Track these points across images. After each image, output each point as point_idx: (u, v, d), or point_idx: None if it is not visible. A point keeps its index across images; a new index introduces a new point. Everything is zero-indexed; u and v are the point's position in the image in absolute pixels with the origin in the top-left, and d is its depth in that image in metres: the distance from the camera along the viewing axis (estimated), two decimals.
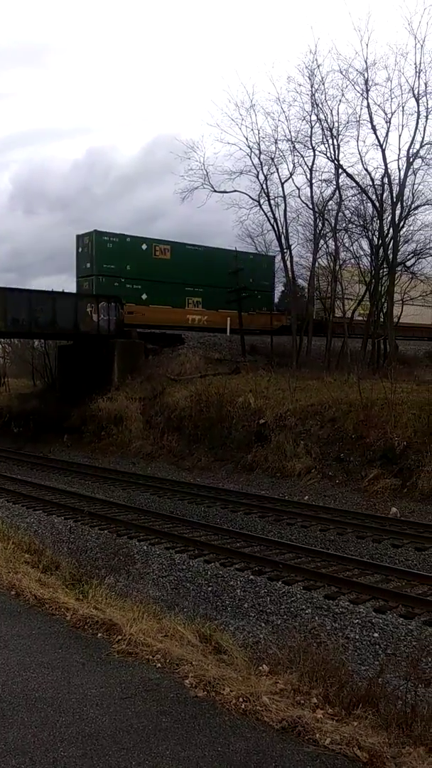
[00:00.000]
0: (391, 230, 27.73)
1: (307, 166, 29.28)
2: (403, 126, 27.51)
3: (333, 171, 28.87)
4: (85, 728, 3.78)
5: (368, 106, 26.78)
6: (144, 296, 30.14)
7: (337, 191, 28.75)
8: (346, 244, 30.73)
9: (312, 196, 29.73)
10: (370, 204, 28.46)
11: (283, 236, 30.42)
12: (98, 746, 3.58)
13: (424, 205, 28.09)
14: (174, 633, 5.40)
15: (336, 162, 28.35)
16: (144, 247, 30.33)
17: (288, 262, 30.96)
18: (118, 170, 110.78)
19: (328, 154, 28.61)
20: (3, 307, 26.23)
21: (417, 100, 25.63)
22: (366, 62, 26.16)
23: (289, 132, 30.41)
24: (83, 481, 20.21)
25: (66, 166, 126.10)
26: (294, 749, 3.59)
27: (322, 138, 28.40)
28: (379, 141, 26.99)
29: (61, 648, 5.04)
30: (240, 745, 3.63)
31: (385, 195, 27.78)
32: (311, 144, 28.54)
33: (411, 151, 26.30)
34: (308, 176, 29.40)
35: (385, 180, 27.41)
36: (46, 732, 3.72)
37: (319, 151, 28.80)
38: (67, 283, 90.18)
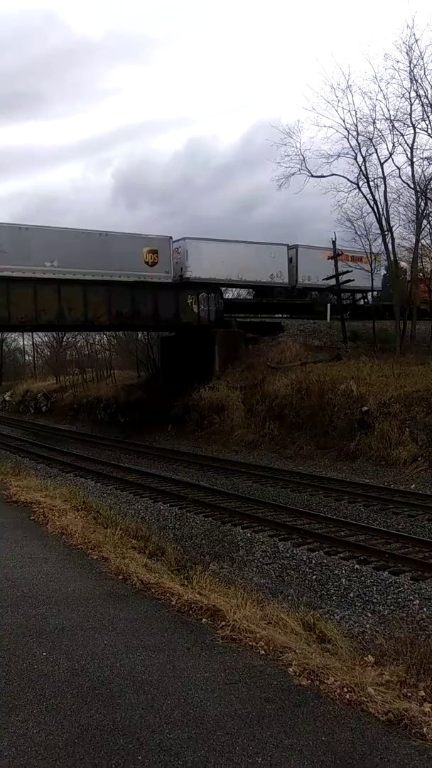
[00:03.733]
0: None
1: (408, 144, 28.21)
2: None
3: None
4: (190, 712, 3.84)
5: None
6: None
7: None
8: None
9: (413, 175, 28.63)
10: None
11: (383, 218, 29.54)
12: (203, 730, 3.62)
13: None
14: (277, 620, 5.38)
15: None
16: None
17: (389, 244, 30.05)
18: (218, 159, 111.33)
19: (430, 131, 27.52)
20: (107, 301, 26.98)
21: None
22: None
23: (388, 110, 29.53)
24: (187, 469, 20.58)
25: (166, 158, 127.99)
26: (400, 742, 3.50)
27: (423, 114, 27.31)
28: None
29: (167, 632, 5.13)
30: (345, 735, 3.58)
31: None
32: (411, 121, 27.48)
33: None
34: (409, 155, 28.33)
35: None
36: (152, 714, 3.80)
37: (420, 128, 27.67)
38: None
